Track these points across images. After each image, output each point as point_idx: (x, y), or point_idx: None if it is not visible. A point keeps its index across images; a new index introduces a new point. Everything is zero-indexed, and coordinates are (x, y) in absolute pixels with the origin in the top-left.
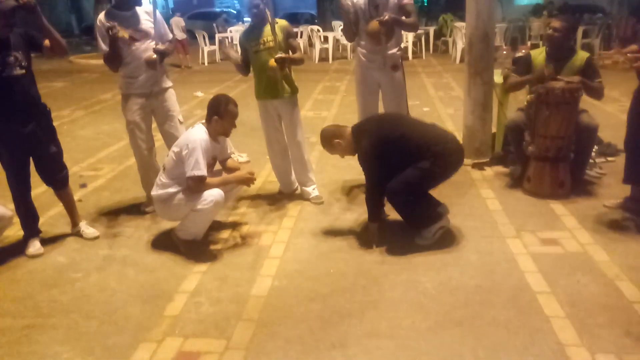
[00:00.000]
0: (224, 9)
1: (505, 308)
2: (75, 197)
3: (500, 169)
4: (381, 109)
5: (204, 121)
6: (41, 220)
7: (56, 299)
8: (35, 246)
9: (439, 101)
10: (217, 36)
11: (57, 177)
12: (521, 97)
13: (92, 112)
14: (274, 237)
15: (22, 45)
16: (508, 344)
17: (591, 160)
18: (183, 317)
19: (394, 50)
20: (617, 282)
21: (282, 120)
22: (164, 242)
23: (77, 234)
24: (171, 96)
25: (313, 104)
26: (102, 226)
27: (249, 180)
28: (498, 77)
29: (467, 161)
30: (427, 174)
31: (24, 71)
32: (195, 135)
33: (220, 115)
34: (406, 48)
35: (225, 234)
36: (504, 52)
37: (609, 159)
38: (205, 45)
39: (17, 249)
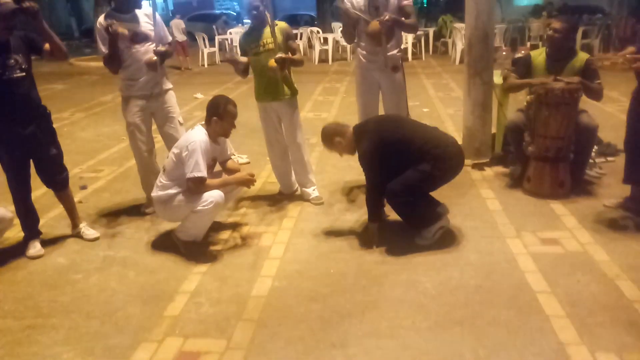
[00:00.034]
0: (224, 11)
1: (505, 308)
2: (76, 199)
3: (500, 169)
4: (381, 110)
5: (203, 122)
6: (41, 222)
7: (56, 300)
8: (35, 247)
9: (438, 102)
10: (217, 38)
11: (57, 179)
12: (521, 98)
13: (92, 114)
14: (274, 237)
15: (22, 48)
16: (508, 344)
17: (591, 160)
18: (183, 317)
19: (394, 52)
20: (617, 282)
21: (282, 122)
22: (164, 243)
23: (77, 235)
24: (171, 98)
25: (313, 105)
26: (102, 227)
27: (249, 182)
28: (497, 78)
29: (467, 161)
30: (427, 176)
31: (24, 74)
32: (195, 136)
33: (220, 116)
34: (406, 49)
35: (225, 234)
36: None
37: (609, 159)
38: (205, 47)
39: (17, 251)
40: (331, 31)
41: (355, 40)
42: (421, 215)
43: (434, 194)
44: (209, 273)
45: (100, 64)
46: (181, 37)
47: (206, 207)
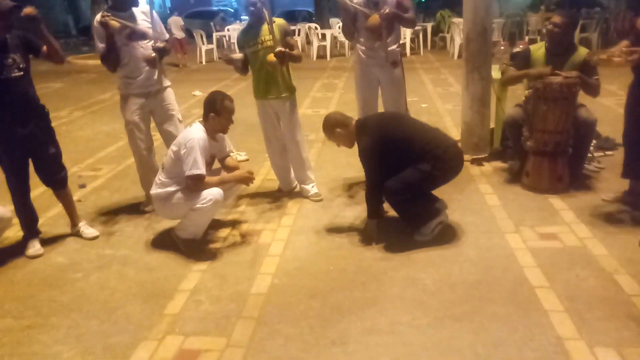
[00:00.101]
0: (221, 8)
1: (504, 303)
2: (75, 198)
3: (498, 164)
4: (380, 106)
5: (201, 120)
6: (41, 221)
7: (56, 299)
8: (35, 247)
9: (437, 97)
10: (215, 35)
11: (56, 178)
12: (519, 93)
13: (90, 112)
14: (273, 235)
15: (20, 48)
16: (507, 339)
17: (589, 155)
18: (183, 315)
19: (394, 47)
20: (615, 276)
21: (280, 119)
22: (164, 241)
23: (76, 234)
24: (170, 95)
25: (311, 101)
26: (101, 226)
27: (248, 180)
28: (496, 73)
29: (465, 156)
30: (427, 176)
31: (22, 73)
32: (193, 134)
33: (217, 112)
34: (404, 44)
35: (224, 232)
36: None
37: (608, 153)
38: (203, 44)
39: (17, 250)
40: (329, 27)
41: (355, 36)
42: (419, 214)
43: (433, 190)
44: (209, 271)
45: (98, 62)
46: (180, 35)
47: (205, 205)
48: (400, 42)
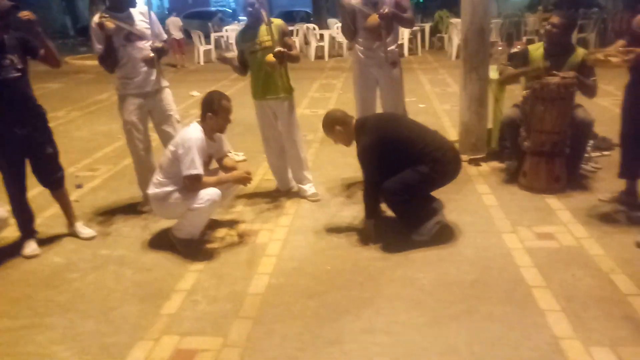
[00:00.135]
0: (219, 8)
1: (501, 303)
2: (71, 198)
3: (496, 164)
4: (379, 106)
5: (199, 120)
6: (37, 221)
7: (53, 299)
8: (31, 247)
9: (435, 97)
10: (213, 35)
11: (53, 178)
12: (517, 93)
13: (88, 112)
14: (270, 235)
15: (17, 49)
16: (504, 338)
17: (586, 155)
18: (180, 315)
19: (393, 47)
20: (611, 276)
21: (278, 119)
22: (161, 242)
23: (73, 234)
24: (168, 95)
25: (309, 102)
26: (98, 226)
27: (245, 180)
28: (494, 73)
29: (463, 157)
30: (426, 178)
31: (19, 74)
32: (190, 133)
33: (214, 111)
34: (402, 44)
35: (222, 232)
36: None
37: (604, 153)
38: (201, 44)
39: (13, 250)
40: (327, 27)
41: (355, 36)
42: (417, 214)
43: (430, 192)
44: (206, 271)
45: (96, 62)
46: (178, 35)
47: (203, 205)
48: (399, 42)
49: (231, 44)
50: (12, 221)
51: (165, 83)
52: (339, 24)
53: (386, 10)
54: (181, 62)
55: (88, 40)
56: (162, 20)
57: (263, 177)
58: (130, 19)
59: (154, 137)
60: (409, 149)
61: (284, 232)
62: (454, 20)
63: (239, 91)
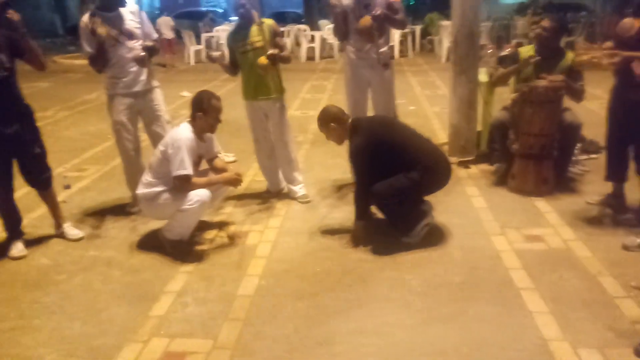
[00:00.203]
0: (210, 8)
1: (489, 304)
2: (59, 199)
3: (485, 166)
4: (370, 107)
5: (189, 119)
6: (24, 222)
7: (39, 301)
8: (18, 248)
9: (425, 99)
10: (203, 35)
11: (40, 178)
12: (506, 96)
13: (76, 112)
14: (260, 236)
15: (5, 48)
16: (492, 340)
17: (574, 158)
18: (169, 317)
19: (384, 49)
20: (599, 278)
21: (269, 120)
22: (150, 243)
23: (61, 235)
24: (158, 96)
25: (300, 103)
26: (86, 227)
27: (235, 182)
28: (483, 76)
29: (452, 159)
30: (416, 185)
31: (7, 73)
32: (180, 134)
33: (204, 111)
34: (393, 47)
35: (211, 233)
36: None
37: (592, 156)
38: (192, 44)
39: None
40: (318, 29)
41: (347, 37)
42: (406, 217)
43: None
44: (195, 272)
45: (85, 62)
46: (169, 35)
47: (192, 206)
48: (390, 44)
49: (222, 44)
50: None
51: (155, 83)
52: (330, 26)
53: (379, 12)
54: (171, 62)
55: (77, 39)
56: (154, 20)
57: (253, 178)
58: (119, 19)
59: (144, 137)
60: (401, 154)
61: (274, 234)
62: (445, 22)
63: (229, 92)
